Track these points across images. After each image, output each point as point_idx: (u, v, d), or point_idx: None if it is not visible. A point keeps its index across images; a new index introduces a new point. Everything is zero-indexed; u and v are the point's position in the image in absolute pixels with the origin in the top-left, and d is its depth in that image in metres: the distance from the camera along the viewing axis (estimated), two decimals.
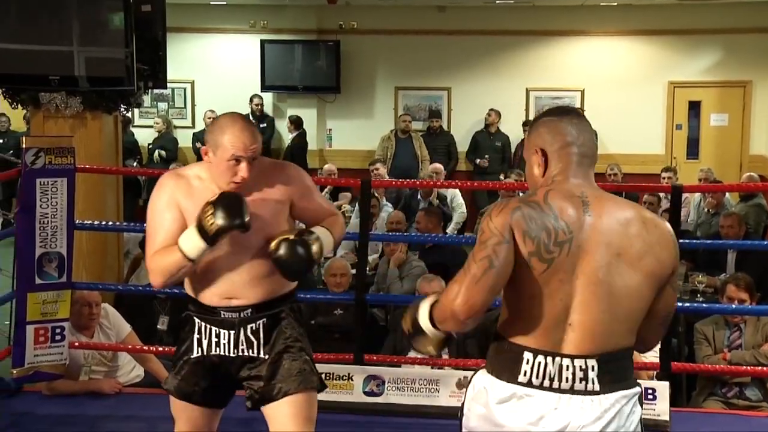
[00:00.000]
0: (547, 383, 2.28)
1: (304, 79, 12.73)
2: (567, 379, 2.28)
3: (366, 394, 4.87)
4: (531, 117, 12.41)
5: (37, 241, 4.76)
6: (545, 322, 2.28)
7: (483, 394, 2.36)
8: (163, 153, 12.15)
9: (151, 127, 12.58)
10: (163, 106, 13.08)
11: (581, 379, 2.28)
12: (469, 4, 12.41)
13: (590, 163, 2.45)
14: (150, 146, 12.33)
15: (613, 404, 2.30)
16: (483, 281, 2.26)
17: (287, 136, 12.61)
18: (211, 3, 12.75)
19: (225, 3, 12.84)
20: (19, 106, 5.92)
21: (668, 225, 2.39)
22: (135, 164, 11.63)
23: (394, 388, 4.87)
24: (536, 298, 2.28)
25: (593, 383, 2.28)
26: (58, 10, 5.61)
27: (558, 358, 2.28)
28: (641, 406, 2.38)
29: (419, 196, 9.41)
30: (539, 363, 2.28)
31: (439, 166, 10.41)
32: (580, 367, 2.28)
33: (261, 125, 12.41)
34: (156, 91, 10.83)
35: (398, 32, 12.67)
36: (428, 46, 12.67)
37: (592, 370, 2.28)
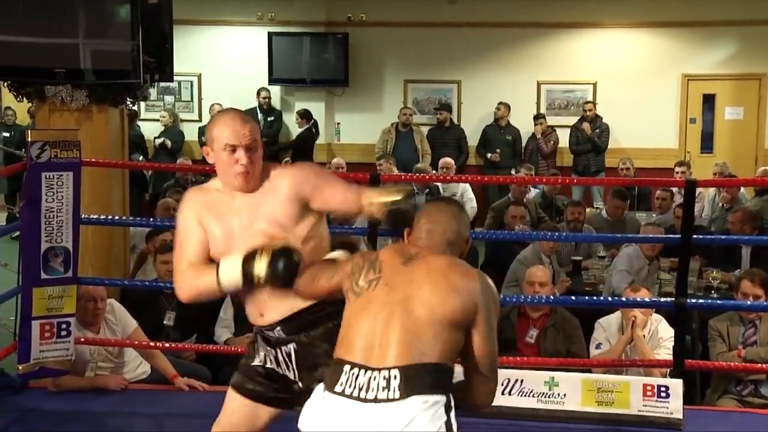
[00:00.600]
0: (356, 393, 2.67)
1: (312, 72, 12.72)
2: (373, 389, 2.65)
3: None
4: (542, 110, 12.43)
5: (42, 235, 4.77)
6: (361, 342, 2.73)
7: (310, 404, 2.79)
8: (168, 142, 12.16)
9: (158, 120, 12.57)
10: (169, 99, 13.08)
11: (384, 388, 2.64)
12: None
13: (440, 237, 2.91)
14: (156, 139, 12.34)
15: (411, 407, 2.62)
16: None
17: (295, 130, 12.59)
18: None
19: None
20: (25, 99, 5.92)
21: (476, 281, 2.80)
22: (141, 158, 11.65)
23: None
24: (355, 324, 2.77)
25: (395, 391, 2.63)
26: (64, 2, 5.61)
27: (369, 371, 2.68)
28: (447, 415, 2.69)
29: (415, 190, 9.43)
30: (354, 374, 2.69)
31: (449, 160, 10.39)
32: (384, 377, 2.65)
33: (268, 119, 12.43)
34: (162, 84, 10.88)
35: (408, 24, 12.65)
36: (438, 39, 12.65)
37: (395, 379, 2.65)
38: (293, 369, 3.12)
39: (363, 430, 2.62)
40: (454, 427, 2.70)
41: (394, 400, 2.63)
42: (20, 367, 4.86)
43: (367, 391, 2.64)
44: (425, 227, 2.90)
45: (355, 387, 2.66)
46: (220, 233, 3.08)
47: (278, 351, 3.13)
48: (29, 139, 4.78)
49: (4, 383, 5.01)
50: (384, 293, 2.76)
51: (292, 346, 3.10)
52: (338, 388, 2.68)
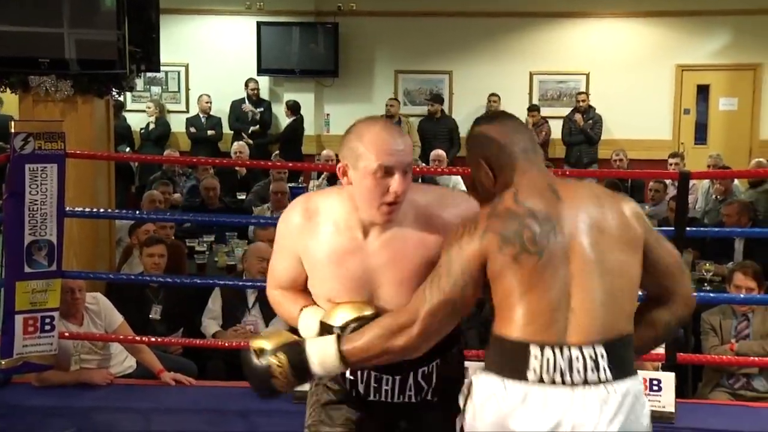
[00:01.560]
0: (558, 378, 2.23)
1: (302, 63, 12.71)
2: (578, 370, 2.23)
3: None
4: (535, 101, 12.44)
5: (26, 228, 4.75)
6: (547, 314, 2.25)
7: (493, 401, 2.29)
8: (155, 131, 12.18)
9: (144, 111, 12.55)
10: (156, 90, 13.05)
11: (593, 369, 2.24)
12: None
13: (535, 156, 2.51)
14: (142, 131, 12.32)
15: (627, 392, 2.26)
16: (440, 316, 2.35)
17: (284, 122, 12.58)
18: None
19: None
20: (8, 89, 5.90)
21: (628, 200, 2.47)
22: (127, 150, 11.63)
23: None
24: (533, 292, 2.26)
25: (605, 372, 2.24)
26: None
27: (566, 349, 2.23)
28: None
29: None
30: (548, 358, 2.23)
31: (441, 152, 10.39)
32: (590, 356, 2.24)
33: (258, 109, 12.42)
34: (149, 74, 10.83)
35: (398, 14, 12.65)
36: (429, 29, 12.64)
37: (602, 357, 2.24)
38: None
39: (581, 419, 2.22)
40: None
41: (608, 381, 2.25)
42: (3, 362, 4.84)
43: (571, 374, 2.23)
44: (520, 153, 2.47)
45: (555, 371, 2.24)
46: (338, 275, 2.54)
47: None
48: (12, 130, 4.77)
49: None
50: (565, 245, 2.29)
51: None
52: (532, 377, 2.24)
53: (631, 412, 2.26)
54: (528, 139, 2.54)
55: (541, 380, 2.23)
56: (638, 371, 2.36)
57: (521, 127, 2.60)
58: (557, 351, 2.23)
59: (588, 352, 2.23)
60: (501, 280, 2.29)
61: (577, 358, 2.23)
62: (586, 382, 2.23)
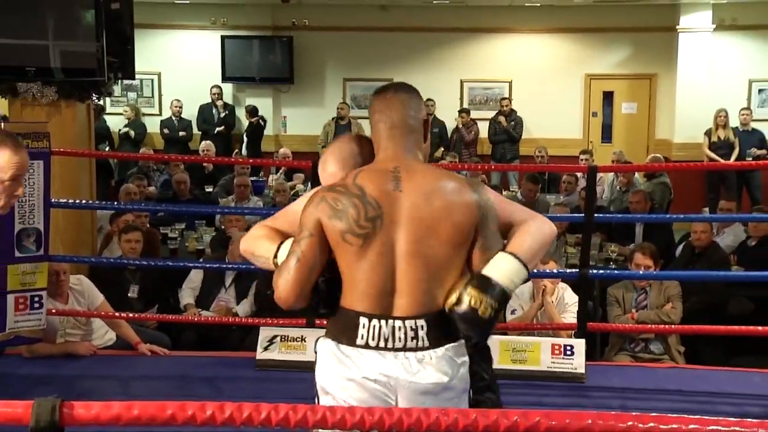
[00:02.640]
0: (382, 344, 2.27)
1: (261, 71, 12.62)
2: (400, 338, 2.28)
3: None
4: (465, 105, 12.48)
5: (16, 218, 4.67)
6: (375, 292, 2.28)
7: (330, 359, 2.33)
8: (132, 132, 12.03)
9: (122, 114, 12.39)
10: (132, 95, 12.87)
11: (412, 338, 2.28)
12: (408, 3, 12.38)
13: (402, 133, 2.40)
14: (120, 132, 12.16)
15: (443, 355, 2.30)
16: (294, 274, 2.30)
17: (245, 123, 12.48)
18: (176, 1, 12.56)
19: (188, 1, 12.65)
20: None
21: (470, 192, 2.32)
22: (107, 148, 11.47)
23: None
24: (362, 270, 2.27)
25: (423, 340, 2.28)
26: (34, 6, 5.48)
27: (390, 321, 2.27)
28: (466, 356, 2.36)
29: None
30: (374, 326, 2.28)
31: None
32: (411, 327, 2.28)
33: (225, 113, 12.33)
34: (126, 81, 10.64)
35: (346, 29, 12.61)
36: (372, 41, 12.62)
37: (422, 329, 2.28)
38: None
39: (399, 375, 2.28)
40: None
41: (426, 348, 2.29)
42: None
43: (393, 341, 2.28)
44: (385, 130, 2.40)
45: (380, 339, 2.28)
46: None
47: None
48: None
49: None
50: (391, 233, 2.28)
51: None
52: (360, 341, 2.29)
53: (444, 370, 2.29)
54: (399, 116, 2.40)
55: (367, 345, 2.28)
56: (461, 339, 2.34)
57: (395, 102, 2.44)
58: (383, 322, 2.27)
59: (409, 324, 2.28)
60: (337, 253, 2.31)
61: (400, 329, 2.27)
62: (405, 348, 2.28)
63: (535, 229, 2.36)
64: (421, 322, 2.28)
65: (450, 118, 12.28)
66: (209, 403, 1.70)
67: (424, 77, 12.48)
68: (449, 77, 12.60)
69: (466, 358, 2.36)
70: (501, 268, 2.29)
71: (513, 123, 11.97)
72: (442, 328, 2.30)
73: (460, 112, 12.20)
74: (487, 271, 2.29)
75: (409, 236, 2.27)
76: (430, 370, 2.29)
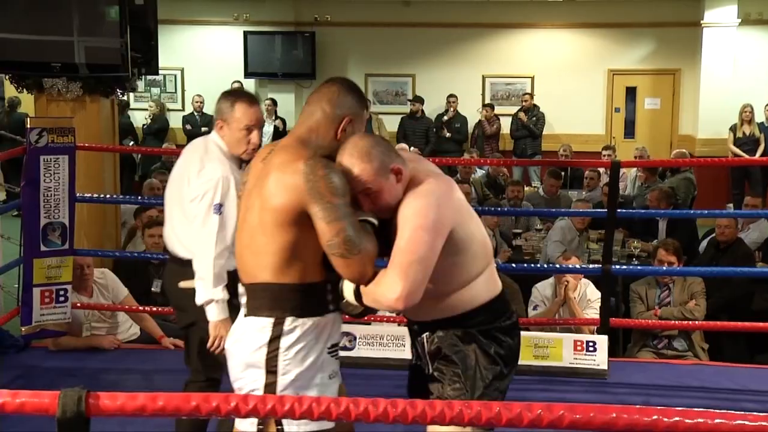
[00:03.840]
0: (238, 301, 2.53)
1: (283, 67, 12.64)
2: (242, 302, 2.49)
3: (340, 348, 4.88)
4: (487, 101, 12.45)
5: (41, 212, 4.72)
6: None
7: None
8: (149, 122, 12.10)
9: (146, 110, 12.45)
10: (155, 90, 12.93)
11: (243, 304, 2.47)
12: None
13: (305, 119, 2.47)
14: (145, 126, 12.23)
15: (246, 325, 2.43)
16: None
17: (266, 119, 12.49)
18: None
19: None
20: (25, 90, 5.83)
21: (298, 177, 2.30)
22: (131, 143, 11.53)
23: (364, 343, 4.89)
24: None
25: (245, 307, 2.45)
26: (60, 2, 5.53)
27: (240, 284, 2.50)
28: (270, 336, 2.38)
29: None
30: (239, 285, 2.52)
31: (403, 146, 10.41)
32: (242, 292, 2.47)
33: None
34: (149, 77, 10.74)
35: (368, 24, 12.59)
36: (395, 37, 12.60)
37: (243, 295, 2.47)
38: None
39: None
40: (282, 347, 2.38)
41: (246, 315, 2.44)
42: (23, 329, 4.82)
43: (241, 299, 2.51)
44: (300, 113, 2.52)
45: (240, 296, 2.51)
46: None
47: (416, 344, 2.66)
48: (28, 126, 4.72)
49: (9, 343, 4.97)
50: (244, 200, 2.48)
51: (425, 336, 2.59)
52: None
53: (239, 341, 2.44)
54: (313, 100, 2.48)
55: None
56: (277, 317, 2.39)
57: (317, 92, 2.50)
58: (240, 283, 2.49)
59: (241, 289, 2.48)
60: None
61: (242, 294, 2.47)
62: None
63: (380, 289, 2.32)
64: (242, 289, 2.47)
65: (472, 114, 12.24)
66: (233, 394, 1.71)
67: (445, 73, 12.50)
68: (471, 73, 12.55)
69: (267, 337, 2.38)
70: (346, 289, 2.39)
71: (534, 119, 11.92)
72: (256, 299, 2.41)
73: (484, 106, 12.17)
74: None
75: (243, 207, 2.48)
76: (233, 336, 2.49)
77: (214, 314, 3.15)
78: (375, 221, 2.40)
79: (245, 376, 2.43)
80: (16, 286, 4.96)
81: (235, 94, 3.37)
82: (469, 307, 2.50)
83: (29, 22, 5.52)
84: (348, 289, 2.39)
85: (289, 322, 2.38)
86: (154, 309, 5.26)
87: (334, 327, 2.48)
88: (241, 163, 3.25)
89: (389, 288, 2.28)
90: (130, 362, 4.83)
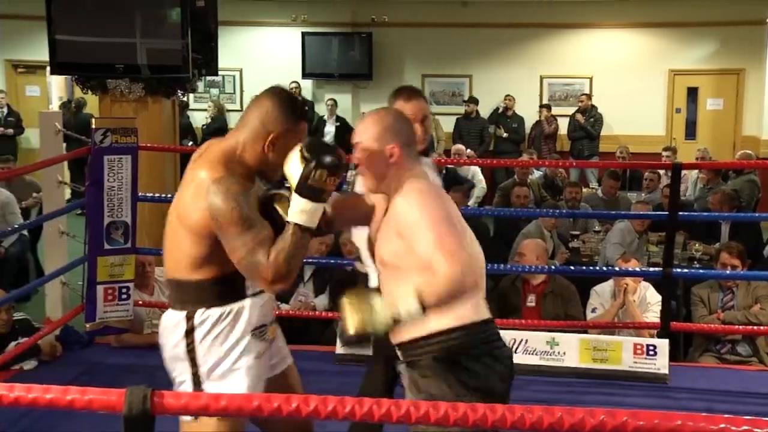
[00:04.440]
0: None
1: (340, 68, 12.70)
2: None
3: None
4: (545, 101, 12.35)
5: (105, 211, 4.80)
6: None
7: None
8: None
9: (205, 110, 12.62)
10: (214, 91, 13.09)
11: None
12: None
13: (239, 125, 2.55)
14: (204, 127, 12.39)
15: (167, 319, 2.54)
16: None
17: (327, 119, 12.56)
18: None
19: None
20: (90, 91, 5.94)
21: (203, 196, 2.38)
22: (191, 143, 11.68)
23: None
24: None
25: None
26: (123, 5, 5.62)
27: None
28: (185, 329, 2.48)
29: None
30: None
31: (460, 147, 10.39)
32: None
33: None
34: (208, 78, 10.85)
35: (425, 25, 12.59)
36: (452, 38, 12.58)
37: (170, 289, 2.59)
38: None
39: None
40: (197, 339, 2.46)
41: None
42: (87, 326, 4.92)
43: None
44: None
45: None
46: None
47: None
48: (93, 127, 4.81)
49: (74, 339, 5.07)
50: (176, 195, 2.57)
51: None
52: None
53: (162, 335, 2.57)
54: (248, 111, 2.56)
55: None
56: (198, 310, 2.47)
57: (252, 103, 2.59)
58: None
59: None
60: None
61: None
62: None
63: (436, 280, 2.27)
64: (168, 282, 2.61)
65: (529, 115, 12.16)
66: (294, 395, 1.71)
67: (503, 73, 12.44)
68: (529, 73, 12.47)
69: (183, 331, 2.47)
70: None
71: (592, 120, 11.79)
72: (173, 294, 2.56)
73: (541, 106, 12.09)
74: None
75: (174, 200, 2.55)
76: (160, 331, 2.60)
77: None
78: (286, 194, 2.47)
79: (175, 368, 2.56)
80: (80, 283, 5.05)
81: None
82: (448, 327, 2.40)
83: (94, 25, 5.62)
84: (407, 304, 2.27)
85: (199, 314, 2.46)
86: None
87: (255, 310, 2.51)
88: None
89: (443, 272, 2.24)
90: None
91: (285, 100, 2.54)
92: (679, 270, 5.29)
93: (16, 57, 13.02)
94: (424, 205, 2.35)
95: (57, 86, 13.48)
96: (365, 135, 2.50)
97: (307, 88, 12.75)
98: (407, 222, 2.35)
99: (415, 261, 2.32)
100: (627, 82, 12.20)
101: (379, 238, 2.48)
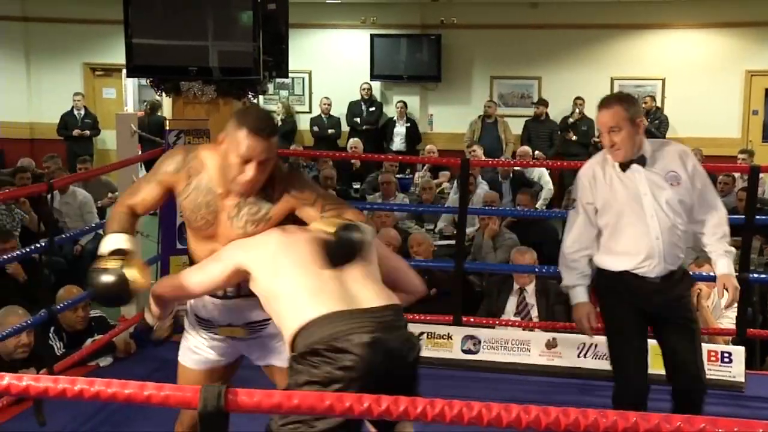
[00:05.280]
0: None
1: (409, 69, 12.71)
2: None
3: (464, 351, 4.87)
4: None
5: (177, 211, 4.88)
6: None
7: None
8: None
9: (274, 112, 12.74)
10: (284, 93, 13.21)
11: None
12: (559, 0, 12.20)
13: None
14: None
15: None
16: None
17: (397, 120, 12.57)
18: (327, 1, 12.82)
19: (339, 1, 12.89)
20: (164, 93, 6.05)
21: None
22: None
23: (489, 347, 4.86)
24: None
25: None
26: (196, 8, 5.71)
27: None
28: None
29: (500, 177, 9.45)
30: None
31: (526, 149, 10.33)
32: None
33: (370, 109, 12.51)
34: (278, 80, 10.96)
35: (494, 26, 12.53)
36: (521, 39, 12.50)
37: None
38: None
39: None
40: None
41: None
42: None
43: None
44: None
45: None
46: None
47: None
48: (167, 128, 4.90)
49: (147, 337, 5.16)
50: None
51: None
52: None
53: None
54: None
55: None
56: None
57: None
58: None
59: None
60: None
61: None
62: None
63: None
64: None
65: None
66: (366, 395, 1.72)
67: (572, 75, 12.30)
68: (599, 75, 12.30)
69: None
70: None
71: (657, 122, 11.58)
72: None
73: None
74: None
75: None
76: None
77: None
78: None
79: None
80: (153, 282, 5.14)
81: None
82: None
83: (168, 29, 5.72)
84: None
85: None
86: None
87: (202, 307, 2.87)
88: None
89: None
90: None
91: (245, 110, 2.82)
92: (755, 275, 5.16)
93: (93, 60, 13.35)
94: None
95: (132, 88, 13.80)
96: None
97: (376, 89, 12.80)
98: None
99: None
100: (701, 83, 11.96)
101: None
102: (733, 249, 3.47)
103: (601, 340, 4.65)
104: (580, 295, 3.56)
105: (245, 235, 2.66)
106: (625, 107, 3.32)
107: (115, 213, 2.78)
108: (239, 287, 2.73)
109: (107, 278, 2.50)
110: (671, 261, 3.39)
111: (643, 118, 3.41)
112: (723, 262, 3.46)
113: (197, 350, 2.93)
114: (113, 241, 2.62)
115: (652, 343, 4.62)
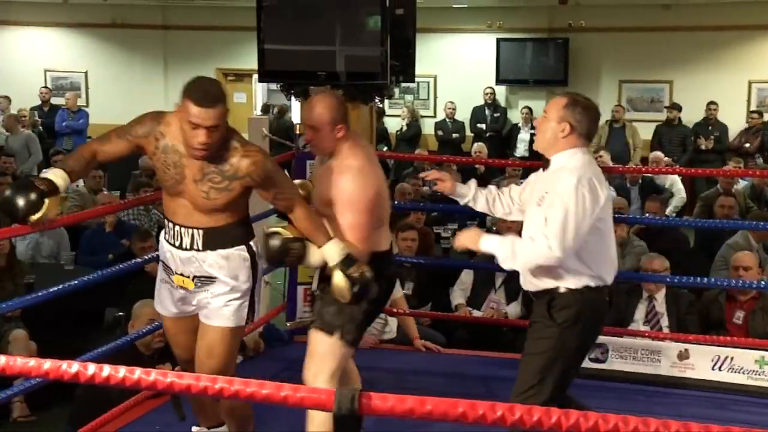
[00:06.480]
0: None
1: (534, 73, 12.57)
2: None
3: (591, 360, 4.76)
4: (752, 108, 11.69)
5: None
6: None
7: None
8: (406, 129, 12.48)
9: (398, 116, 12.83)
10: (409, 97, 13.27)
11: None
12: (694, 1, 11.80)
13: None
14: (398, 133, 12.62)
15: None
16: None
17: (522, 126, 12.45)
18: (454, 6, 12.81)
19: (466, 6, 12.86)
20: (293, 97, 6.16)
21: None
22: (385, 148, 11.93)
23: (617, 356, 4.74)
24: None
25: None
26: (325, 15, 5.79)
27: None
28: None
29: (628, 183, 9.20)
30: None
31: (659, 154, 10.02)
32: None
33: (494, 115, 12.43)
34: (404, 84, 11.03)
35: (624, 29, 12.25)
36: (652, 42, 12.16)
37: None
38: None
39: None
40: None
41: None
42: (288, 324, 5.10)
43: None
44: None
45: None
46: None
47: None
48: (297, 132, 4.99)
49: (276, 337, 5.26)
50: None
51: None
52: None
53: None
54: None
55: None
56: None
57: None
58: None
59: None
60: None
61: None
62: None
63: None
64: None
65: (734, 121, 11.53)
66: (499, 404, 1.69)
67: (706, 79, 11.89)
68: (735, 78, 11.84)
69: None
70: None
71: None
72: None
73: (750, 112, 11.47)
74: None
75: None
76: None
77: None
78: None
79: None
80: (279, 283, 5.25)
81: None
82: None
83: (298, 34, 5.82)
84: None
85: None
86: (406, 311, 5.37)
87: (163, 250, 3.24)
88: None
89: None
90: (384, 362, 4.96)
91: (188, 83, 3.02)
92: None
93: (226, 66, 13.77)
94: (355, 187, 3.16)
95: (261, 93, 14.15)
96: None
97: (501, 94, 12.70)
98: (341, 199, 3.16)
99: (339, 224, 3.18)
100: None
101: (319, 186, 3.31)
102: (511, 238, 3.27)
103: (738, 352, 4.47)
104: None
105: (208, 199, 3.03)
106: None
107: (78, 152, 3.21)
108: (193, 239, 3.08)
109: (24, 195, 2.94)
110: None
111: None
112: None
113: (163, 300, 3.30)
114: (52, 173, 3.05)
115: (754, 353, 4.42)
